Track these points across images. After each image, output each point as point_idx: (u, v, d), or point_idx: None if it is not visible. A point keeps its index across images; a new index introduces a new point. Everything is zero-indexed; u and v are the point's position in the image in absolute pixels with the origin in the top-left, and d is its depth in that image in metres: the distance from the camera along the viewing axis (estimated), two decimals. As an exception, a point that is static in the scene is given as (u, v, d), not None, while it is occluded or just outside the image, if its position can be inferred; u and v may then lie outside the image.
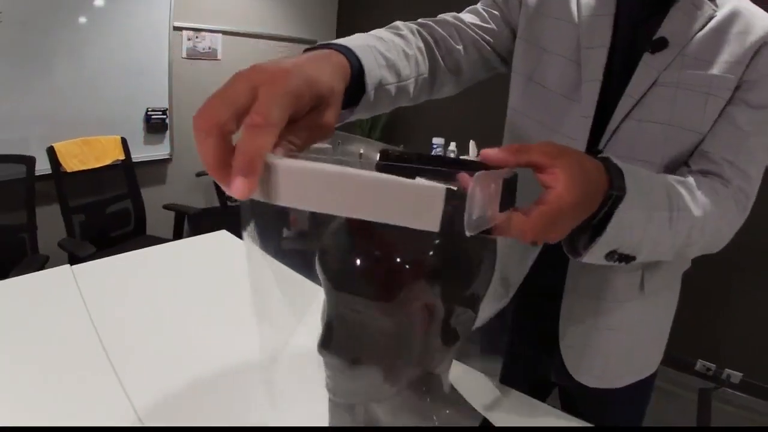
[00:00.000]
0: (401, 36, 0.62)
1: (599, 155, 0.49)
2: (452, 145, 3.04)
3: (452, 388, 0.54)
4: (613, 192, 0.46)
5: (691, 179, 0.61)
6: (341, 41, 0.50)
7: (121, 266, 1.18)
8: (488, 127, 0.88)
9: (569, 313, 0.78)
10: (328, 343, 0.44)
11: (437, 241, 0.42)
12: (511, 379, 0.88)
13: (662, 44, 0.64)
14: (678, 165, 0.67)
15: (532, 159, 0.41)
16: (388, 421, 0.51)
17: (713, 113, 0.64)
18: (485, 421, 0.53)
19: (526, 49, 0.75)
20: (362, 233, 0.42)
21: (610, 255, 0.51)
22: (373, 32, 0.59)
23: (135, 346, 0.85)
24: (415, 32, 0.66)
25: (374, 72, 0.52)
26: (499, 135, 0.85)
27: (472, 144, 2.82)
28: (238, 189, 0.31)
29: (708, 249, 0.63)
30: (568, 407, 0.92)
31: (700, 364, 2.54)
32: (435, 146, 3.04)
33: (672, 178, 0.58)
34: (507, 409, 0.78)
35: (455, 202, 0.30)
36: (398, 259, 0.41)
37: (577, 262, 0.53)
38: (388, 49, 0.56)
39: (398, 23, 0.65)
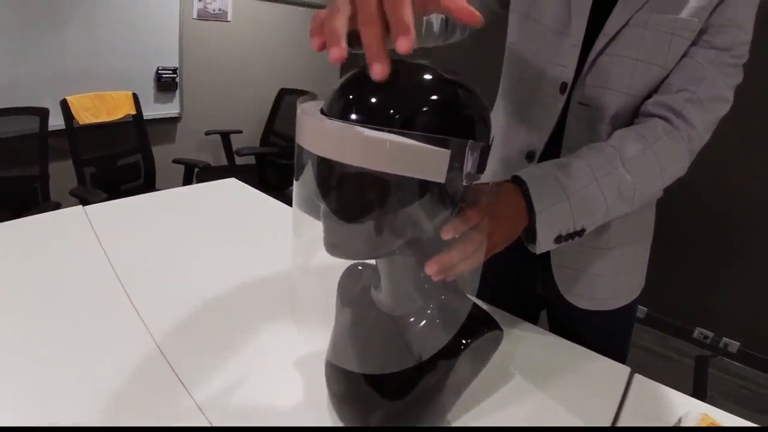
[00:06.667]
0: None
1: (519, 178, 0.61)
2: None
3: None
4: (533, 215, 0.59)
5: (614, 139, 0.68)
6: None
7: (132, 208, 1.21)
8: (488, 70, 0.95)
9: None
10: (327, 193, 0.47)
11: None
12: (497, 290, 0.93)
13: None
14: (644, 93, 0.74)
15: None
16: (387, 299, 0.56)
17: (677, 51, 0.70)
18: (475, 307, 0.56)
19: None
20: None
21: (558, 239, 0.62)
22: None
23: (150, 280, 0.88)
24: None
25: None
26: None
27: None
28: (403, 43, 0.38)
29: (661, 184, 0.70)
30: (557, 328, 0.98)
31: (698, 331, 2.57)
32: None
33: (593, 148, 0.67)
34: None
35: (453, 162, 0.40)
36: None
37: None
38: None
39: None
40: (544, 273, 0.88)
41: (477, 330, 0.55)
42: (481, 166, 0.43)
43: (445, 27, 0.79)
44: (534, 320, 1.04)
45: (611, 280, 0.88)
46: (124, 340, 0.72)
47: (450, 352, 0.53)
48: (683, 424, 0.66)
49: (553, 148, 0.80)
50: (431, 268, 0.48)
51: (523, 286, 0.97)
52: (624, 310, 0.91)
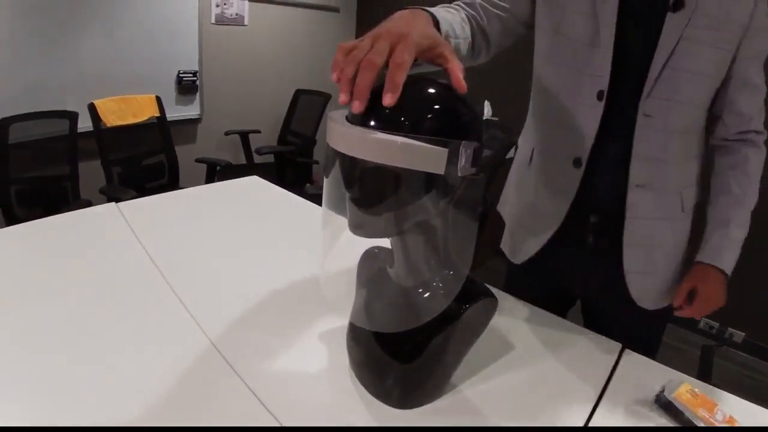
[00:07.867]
0: (450, 12, 0.77)
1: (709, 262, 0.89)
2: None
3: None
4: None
5: (728, 184, 0.91)
6: (418, 7, 0.65)
7: (163, 204, 1.29)
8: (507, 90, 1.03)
9: (631, 237, 0.90)
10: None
11: None
12: (534, 292, 1.00)
13: (679, 5, 0.78)
14: (702, 103, 0.85)
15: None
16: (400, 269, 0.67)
17: (723, 63, 0.81)
18: (471, 280, 0.66)
19: (547, 9, 0.88)
20: None
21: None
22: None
23: (186, 268, 0.97)
24: (458, 9, 0.82)
25: (444, 25, 0.68)
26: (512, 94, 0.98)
27: (486, 104, 2.89)
28: (389, 98, 0.50)
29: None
30: (592, 322, 1.03)
31: (703, 322, 2.61)
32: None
33: (723, 194, 0.91)
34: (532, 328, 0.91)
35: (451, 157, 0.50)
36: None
37: (635, 189, 0.86)
38: (448, 12, 0.74)
39: (443, 5, 0.79)
40: (589, 275, 0.98)
41: (474, 297, 0.65)
42: (474, 162, 0.53)
43: (471, 51, 0.84)
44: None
45: (669, 278, 0.96)
46: (167, 320, 0.82)
47: (452, 316, 0.63)
48: (666, 392, 0.73)
49: (597, 154, 0.87)
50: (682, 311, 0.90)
51: (557, 290, 1.05)
52: (665, 308, 0.98)
